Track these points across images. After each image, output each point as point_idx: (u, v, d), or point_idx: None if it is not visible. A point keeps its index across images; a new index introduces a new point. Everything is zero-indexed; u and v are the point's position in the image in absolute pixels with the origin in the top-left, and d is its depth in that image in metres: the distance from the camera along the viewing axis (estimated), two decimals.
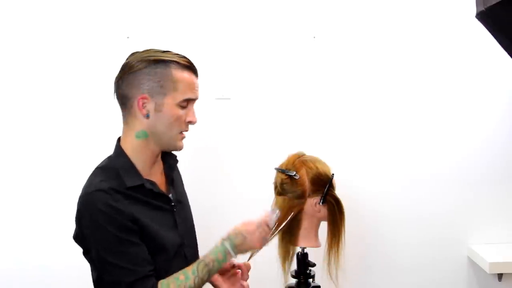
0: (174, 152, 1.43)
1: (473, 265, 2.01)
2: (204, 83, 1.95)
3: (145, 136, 1.27)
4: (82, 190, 1.24)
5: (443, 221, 2.01)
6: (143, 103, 1.25)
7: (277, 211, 1.37)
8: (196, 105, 1.92)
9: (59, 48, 1.94)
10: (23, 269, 1.96)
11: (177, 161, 1.45)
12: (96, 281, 1.30)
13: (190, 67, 1.29)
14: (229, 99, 1.98)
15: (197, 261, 1.27)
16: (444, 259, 2.02)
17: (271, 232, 1.34)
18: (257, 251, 1.41)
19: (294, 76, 1.98)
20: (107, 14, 1.95)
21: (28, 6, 1.93)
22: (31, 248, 1.96)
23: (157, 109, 1.25)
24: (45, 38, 1.94)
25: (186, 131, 1.32)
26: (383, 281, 2.03)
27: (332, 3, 1.97)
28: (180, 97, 1.26)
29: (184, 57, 1.30)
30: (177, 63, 1.26)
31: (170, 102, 1.25)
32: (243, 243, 1.28)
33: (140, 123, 1.27)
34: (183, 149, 1.34)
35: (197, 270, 1.25)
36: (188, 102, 1.29)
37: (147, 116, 1.25)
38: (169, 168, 1.40)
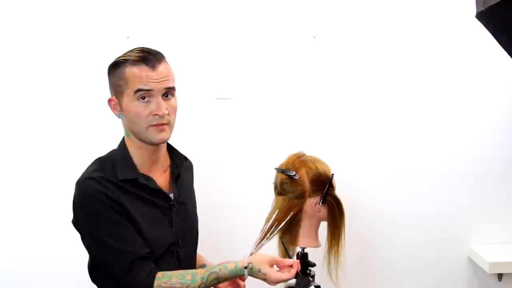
0: (182, 152, 1.47)
1: (473, 265, 2.01)
2: (204, 83, 1.97)
3: (128, 135, 1.33)
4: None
5: (443, 221, 2.01)
6: (113, 105, 1.32)
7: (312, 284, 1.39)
8: (196, 105, 1.95)
9: (60, 48, 1.94)
10: (23, 268, 1.96)
11: (184, 160, 1.46)
12: (91, 267, 1.33)
13: (142, 60, 1.27)
14: (229, 99, 1.98)
15: (210, 270, 1.28)
16: (444, 259, 2.02)
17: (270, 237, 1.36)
18: (256, 251, 1.41)
19: (294, 76, 1.98)
20: (107, 14, 1.94)
21: (28, 6, 1.93)
22: (31, 247, 1.97)
23: (121, 108, 1.31)
24: (46, 38, 1.94)
25: (160, 123, 1.27)
26: (383, 281, 2.03)
27: (332, 3, 1.96)
28: (130, 92, 1.27)
29: (142, 50, 1.30)
30: (131, 60, 1.28)
31: (126, 100, 1.28)
32: (258, 277, 1.29)
33: (123, 123, 1.34)
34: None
35: (207, 279, 1.26)
36: (145, 94, 1.26)
37: (119, 116, 1.32)
38: (175, 166, 1.41)
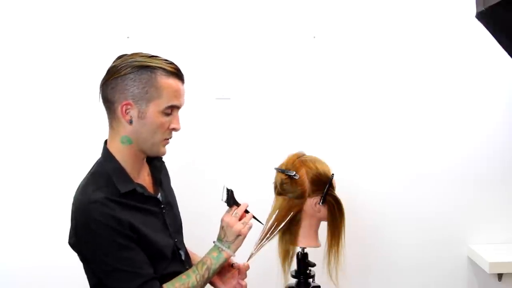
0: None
1: (473, 265, 2.01)
2: (204, 83, 1.97)
3: (130, 142, 1.26)
4: (75, 199, 1.24)
5: (443, 221, 2.01)
6: (126, 109, 1.23)
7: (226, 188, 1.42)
8: (196, 105, 1.95)
9: (60, 48, 1.94)
10: (23, 269, 1.96)
11: (162, 161, 1.44)
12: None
13: (177, 74, 1.26)
14: (229, 99, 1.98)
15: (196, 264, 1.33)
16: (444, 259, 2.02)
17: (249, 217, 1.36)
18: (256, 251, 1.42)
19: (294, 76, 1.98)
20: (107, 14, 1.95)
21: (28, 6, 1.93)
22: (31, 248, 1.97)
23: (141, 116, 1.23)
24: (46, 38, 1.94)
25: (170, 138, 1.30)
26: (383, 281, 2.03)
27: (332, 3, 1.97)
28: (164, 104, 1.23)
29: (172, 63, 1.27)
30: (163, 69, 1.23)
31: (154, 109, 1.23)
32: (225, 233, 1.33)
33: (124, 129, 1.25)
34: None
35: (197, 269, 1.31)
36: (172, 109, 1.26)
37: (130, 122, 1.24)
38: (156, 170, 1.39)
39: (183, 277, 1.29)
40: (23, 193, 1.96)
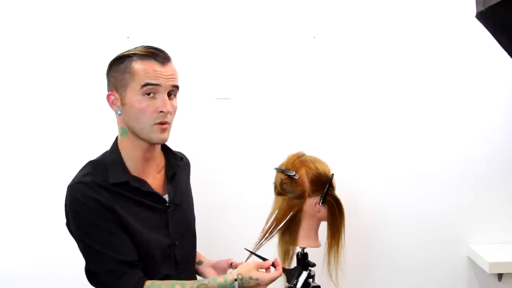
0: (181, 152, 1.46)
1: (473, 265, 2.01)
2: (204, 83, 1.97)
3: (126, 133, 1.29)
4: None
5: (443, 221, 2.01)
6: (112, 100, 1.28)
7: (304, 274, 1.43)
8: (196, 105, 1.95)
9: (60, 48, 1.94)
10: (23, 269, 1.96)
11: (181, 160, 1.44)
12: (86, 270, 1.31)
13: (151, 55, 1.25)
14: (229, 99, 1.99)
15: (200, 281, 1.28)
16: (444, 259, 2.02)
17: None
18: (255, 251, 1.42)
19: (294, 76, 1.98)
20: (107, 14, 1.95)
21: (28, 6, 1.93)
22: (31, 248, 1.97)
23: (123, 103, 1.26)
24: (46, 38, 1.94)
25: (163, 122, 1.26)
26: (383, 281, 2.03)
27: (332, 3, 1.97)
28: (136, 85, 1.23)
29: (150, 47, 1.28)
30: (138, 54, 1.25)
31: (131, 94, 1.24)
32: (250, 286, 1.28)
33: (119, 121, 1.30)
34: (168, 141, 1.32)
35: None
36: (152, 89, 1.24)
37: (119, 112, 1.28)
38: (169, 167, 1.39)
39: (176, 286, 1.24)
40: (23, 193, 1.96)
